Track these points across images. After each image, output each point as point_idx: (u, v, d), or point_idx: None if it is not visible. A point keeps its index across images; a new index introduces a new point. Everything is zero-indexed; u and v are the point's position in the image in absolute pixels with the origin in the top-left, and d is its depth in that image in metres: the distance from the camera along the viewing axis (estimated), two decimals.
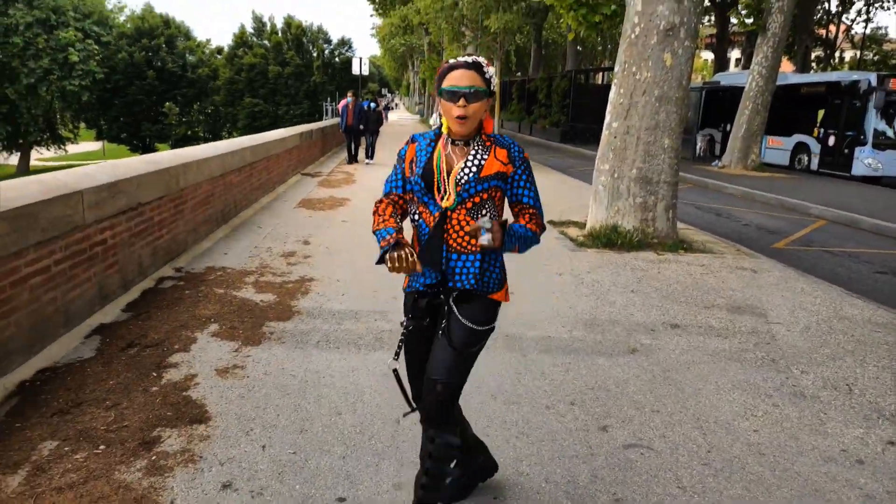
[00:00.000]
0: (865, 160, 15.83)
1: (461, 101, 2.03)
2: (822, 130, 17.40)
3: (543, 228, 2.22)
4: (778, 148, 19.00)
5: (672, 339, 4.37)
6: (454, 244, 2.12)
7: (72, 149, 47.99)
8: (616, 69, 7.46)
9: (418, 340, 2.25)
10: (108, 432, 2.84)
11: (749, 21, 17.16)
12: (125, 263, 4.61)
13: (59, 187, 3.75)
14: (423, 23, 17.22)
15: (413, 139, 2.26)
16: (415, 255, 1.98)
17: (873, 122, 15.75)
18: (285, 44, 49.77)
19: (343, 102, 15.43)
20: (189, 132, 48.46)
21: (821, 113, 17.67)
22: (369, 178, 12.91)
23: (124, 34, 48.14)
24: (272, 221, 7.87)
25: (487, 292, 2.16)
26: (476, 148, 2.14)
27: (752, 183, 14.23)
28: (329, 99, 25.23)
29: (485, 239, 1.92)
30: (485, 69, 2.07)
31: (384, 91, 62.48)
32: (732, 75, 22.11)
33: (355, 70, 22.95)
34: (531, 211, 2.19)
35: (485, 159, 2.12)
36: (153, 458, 2.66)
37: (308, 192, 10.61)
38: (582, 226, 8.11)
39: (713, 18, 35.15)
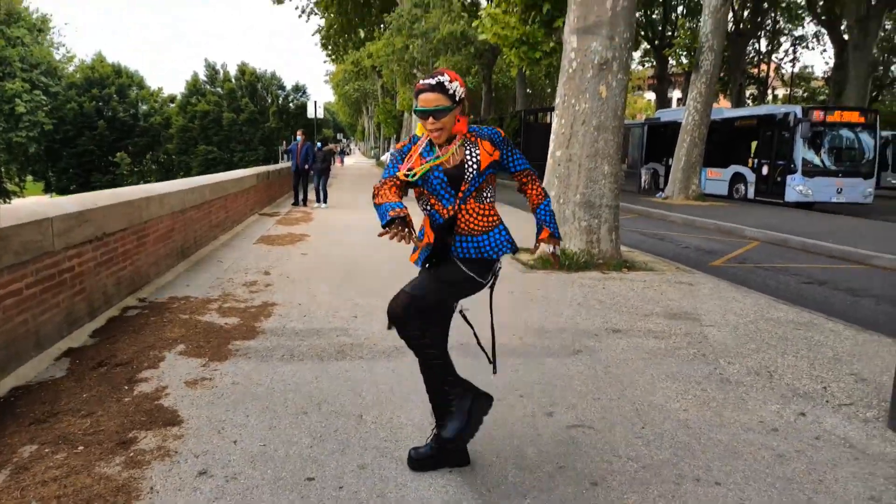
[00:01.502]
0: (797, 187, 16.90)
1: (430, 119, 2.48)
2: (755, 161, 18.53)
3: (540, 183, 2.88)
4: (717, 179, 20.08)
5: (613, 342, 4.74)
6: (463, 227, 2.61)
7: (18, 203, 46.80)
8: (557, 101, 8.02)
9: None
10: (86, 436, 3.00)
11: (683, 60, 18.35)
12: (92, 291, 4.76)
13: (30, 214, 3.94)
14: (375, 66, 17.80)
15: (413, 141, 2.69)
16: (414, 233, 2.36)
17: (801, 151, 16.89)
18: (239, 91, 50.10)
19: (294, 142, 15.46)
20: (142, 182, 47.92)
21: (754, 144, 18.85)
22: (326, 216, 13.16)
23: (73, 84, 47.82)
24: (232, 255, 8.05)
25: (487, 258, 2.66)
26: (467, 147, 2.59)
27: (693, 211, 15.03)
28: (285, 143, 25.46)
29: (556, 250, 2.95)
30: (447, 86, 2.46)
31: (339, 136, 63.14)
32: (671, 111, 23.34)
33: (310, 114, 23.37)
34: (529, 175, 2.81)
35: (478, 154, 2.58)
36: (131, 454, 2.84)
37: (267, 229, 10.81)
38: (532, 252, 8.52)
39: (654, 61, 37.21)
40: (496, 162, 2.63)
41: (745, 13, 32.70)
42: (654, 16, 35.35)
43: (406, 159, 2.62)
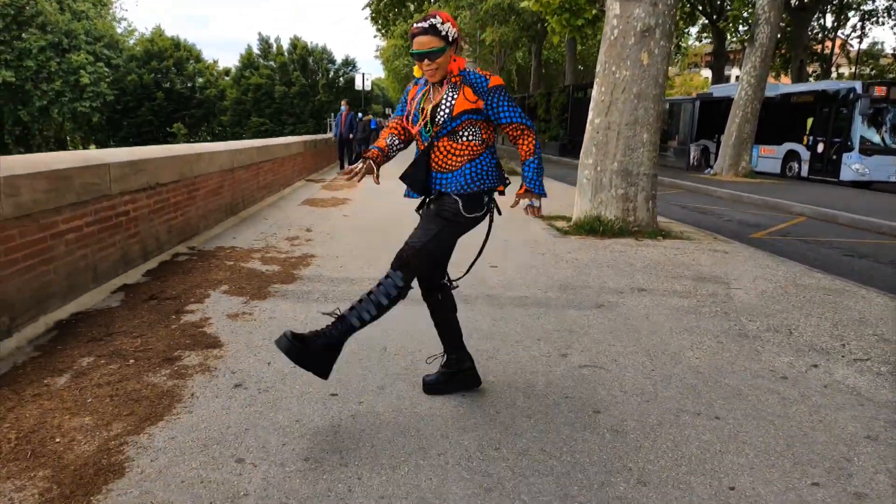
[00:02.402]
0: (853, 165, 16.32)
1: (426, 61, 2.60)
2: (811, 138, 17.92)
3: (534, 135, 2.75)
4: (770, 156, 19.51)
5: (637, 299, 4.84)
6: (436, 166, 2.72)
7: (79, 152, 48.93)
8: (598, 69, 8.01)
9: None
10: (136, 352, 3.32)
11: (739, 33, 17.80)
12: (145, 236, 5.12)
13: (90, 159, 4.28)
14: None
15: (415, 82, 2.85)
16: (372, 169, 2.64)
17: (860, 128, 16.26)
18: (291, 64, 50.86)
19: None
20: None
21: (810, 121, 18.21)
22: (370, 183, 13.44)
23: (134, 57, 49.33)
24: (277, 214, 8.40)
25: (473, 191, 2.69)
26: (448, 90, 2.67)
27: (740, 187, 14.71)
28: (333, 114, 25.95)
29: (533, 204, 2.83)
30: (440, 28, 2.56)
31: (387, 111, 63.53)
32: (724, 87, 22.68)
33: (358, 86, 23.67)
34: (518, 128, 2.70)
35: (455, 98, 2.66)
36: (175, 368, 3.15)
37: (312, 193, 11.16)
38: (569, 219, 8.59)
39: (711, 36, 35.98)
40: (476, 110, 2.64)
41: None
42: None
43: (409, 100, 2.80)
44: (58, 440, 2.42)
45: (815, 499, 2.25)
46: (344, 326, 2.63)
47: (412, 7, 31.12)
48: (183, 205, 5.98)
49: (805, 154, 18.04)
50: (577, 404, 2.94)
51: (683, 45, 49.33)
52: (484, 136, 2.73)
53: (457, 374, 2.99)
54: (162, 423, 2.59)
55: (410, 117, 2.77)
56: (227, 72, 54.94)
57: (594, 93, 8.06)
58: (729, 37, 22.24)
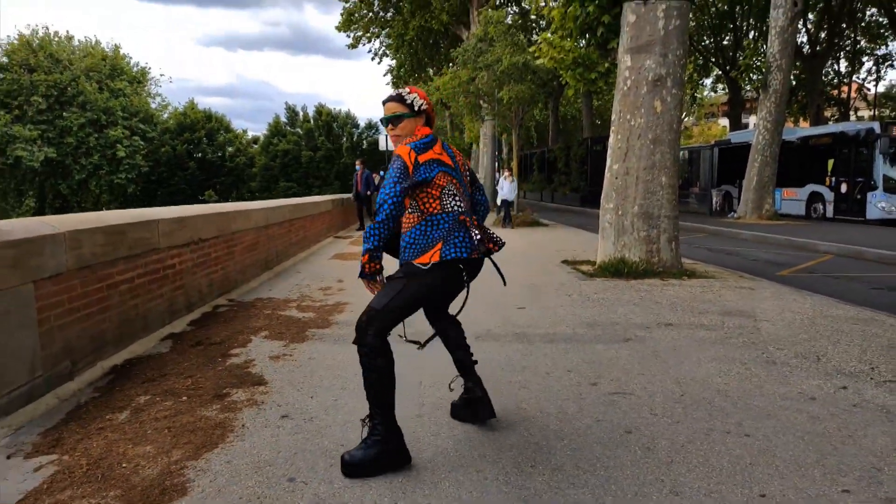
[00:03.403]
0: (878, 204, 16.27)
1: (389, 125, 2.84)
2: (833, 179, 17.96)
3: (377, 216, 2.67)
4: (793, 199, 19.53)
5: (664, 332, 4.94)
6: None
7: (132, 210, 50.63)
8: (613, 118, 8.31)
9: None
10: (188, 390, 3.53)
11: (753, 79, 18.16)
12: (189, 287, 5.41)
13: (142, 216, 4.61)
14: (442, 100, 18.55)
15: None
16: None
17: (881, 167, 16.29)
18: (316, 130, 52.64)
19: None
20: None
21: (831, 162, 18.28)
22: None
23: (168, 129, 51.56)
24: (309, 268, 8.69)
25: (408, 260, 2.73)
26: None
27: (766, 228, 14.74)
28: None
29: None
30: (406, 97, 2.82)
31: None
32: (742, 133, 22.94)
33: (382, 147, 24.43)
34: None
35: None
36: (225, 403, 3.34)
37: (341, 249, 11.49)
38: (593, 263, 8.74)
39: (726, 87, 36.59)
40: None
41: (822, 34, 31.86)
42: (724, 41, 34.95)
43: None
44: (124, 465, 2.60)
45: (846, 503, 2.32)
46: (375, 420, 2.65)
47: (431, 72, 32.32)
48: (222, 259, 6.29)
49: (829, 195, 18.03)
50: (609, 426, 3.05)
51: (699, 95, 50.23)
52: (422, 208, 2.70)
53: (472, 402, 3.08)
54: (217, 450, 2.76)
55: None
56: (255, 140, 57.01)
57: (611, 140, 8.33)
58: (742, 85, 22.61)
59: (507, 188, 16.75)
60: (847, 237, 12.43)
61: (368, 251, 2.62)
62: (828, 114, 39.46)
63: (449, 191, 2.75)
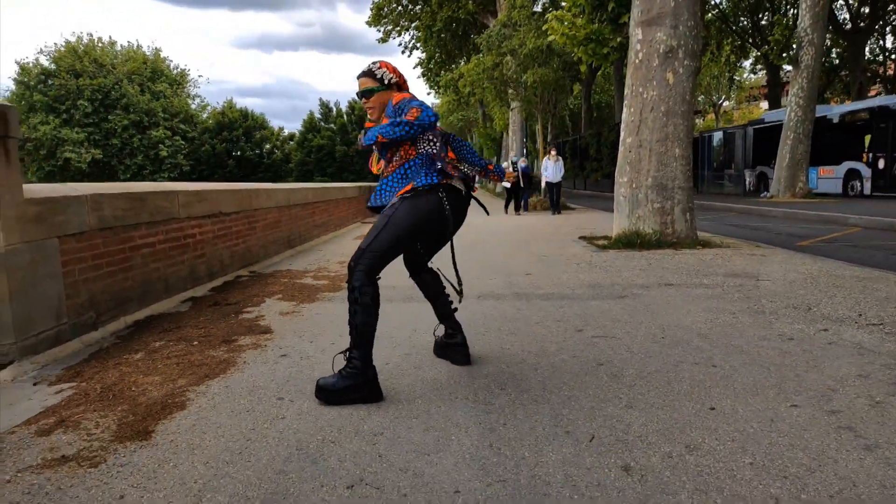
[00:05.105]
0: None
1: (363, 99, 3.04)
2: (870, 155, 17.50)
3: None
4: (829, 177, 19.10)
5: (662, 290, 5.06)
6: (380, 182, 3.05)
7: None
8: (626, 91, 8.37)
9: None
10: (200, 337, 3.83)
11: (784, 56, 17.81)
12: (211, 257, 5.75)
13: (161, 186, 4.95)
14: (468, 87, 18.71)
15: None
16: None
17: None
18: (350, 125, 53.39)
19: None
20: None
21: (867, 138, 17.81)
22: None
23: (207, 129, 52.97)
24: (331, 247, 9.01)
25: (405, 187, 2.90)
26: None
27: (797, 206, 14.50)
28: None
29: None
30: (376, 72, 3.00)
31: None
32: (776, 112, 22.49)
33: None
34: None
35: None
36: (232, 346, 3.63)
37: (366, 231, 11.80)
38: (609, 238, 8.83)
39: (765, 68, 35.71)
40: None
41: (864, 9, 30.82)
42: (762, 21, 34.09)
43: None
44: (133, 389, 2.90)
45: (791, 415, 2.45)
46: (353, 354, 2.74)
47: (462, 62, 32.47)
48: (244, 233, 6.62)
49: (866, 171, 17.59)
50: (583, 360, 3.22)
51: (738, 78, 49.05)
52: (402, 154, 2.92)
53: (450, 346, 3.28)
54: (218, 379, 3.04)
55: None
56: (291, 137, 58.12)
57: (624, 114, 8.40)
58: (775, 61, 22.06)
59: (551, 169, 15.49)
60: (879, 211, 12.16)
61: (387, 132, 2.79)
62: (872, 92, 38.15)
63: (426, 138, 2.97)
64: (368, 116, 3.10)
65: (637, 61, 8.12)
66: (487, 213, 3.46)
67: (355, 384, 2.70)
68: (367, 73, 3.01)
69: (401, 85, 3.08)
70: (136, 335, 3.96)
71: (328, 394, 2.69)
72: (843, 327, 3.74)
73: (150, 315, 4.48)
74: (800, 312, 4.16)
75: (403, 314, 4.36)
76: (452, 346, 3.27)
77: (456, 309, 3.33)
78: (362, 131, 2.97)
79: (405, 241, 2.93)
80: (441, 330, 3.46)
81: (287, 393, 2.83)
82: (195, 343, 3.70)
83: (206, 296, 5.25)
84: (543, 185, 16.35)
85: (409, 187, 2.86)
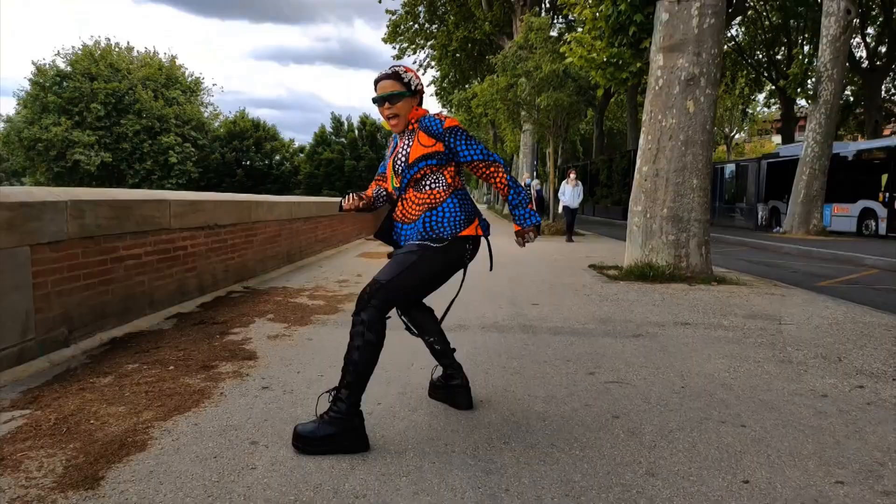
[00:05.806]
0: None
1: (385, 105, 2.60)
2: (887, 194, 17.16)
3: (502, 168, 2.67)
4: (844, 215, 18.74)
5: (678, 331, 4.73)
6: (398, 215, 2.69)
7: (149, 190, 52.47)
8: (644, 118, 8.10)
9: None
10: (178, 361, 3.53)
11: (800, 91, 17.56)
12: (203, 271, 5.46)
13: (152, 194, 4.68)
14: (481, 107, 18.53)
15: (393, 139, 2.85)
16: (360, 202, 2.66)
17: None
18: (360, 140, 53.43)
19: None
20: None
21: (884, 178, 17.48)
22: None
23: (218, 137, 53.08)
24: (333, 264, 8.72)
25: (433, 239, 2.56)
26: (405, 139, 2.68)
27: (811, 243, 14.14)
28: None
29: (528, 240, 2.79)
30: (402, 75, 2.60)
31: None
32: (791, 147, 22.19)
33: None
34: (484, 166, 2.62)
35: (410, 146, 2.61)
36: (210, 374, 3.32)
37: (370, 248, 11.52)
38: (620, 268, 8.51)
39: (779, 102, 35.57)
40: (439, 153, 2.57)
41: (882, 48, 30.68)
42: (778, 56, 34.00)
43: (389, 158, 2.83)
44: (92, 422, 2.59)
45: (837, 495, 2.12)
46: (340, 395, 2.42)
47: (476, 82, 32.45)
48: (240, 247, 6.34)
49: (882, 211, 17.23)
50: (596, 411, 2.90)
51: (751, 111, 48.95)
52: (449, 181, 2.63)
53: (450, 387, 2.94)
54: (188, 413, 2.73)
55: (388, 174, 2.80)
56: (301, 149, 58.20)
57: (641, 141, 8.12)
58: (792, 96, 21.87)
59: (568, 194, 14.62)
60: None
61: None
62: (887, 131, 37.89)
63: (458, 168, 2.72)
64: (389, 126, 2.69)
65: (657, 88, 7.86)
66: (491, 269, 3.10)
67: (338, 432, 2.38)
68: (393, 76, 2.60)
69: (421, 95, 2.73)
70: (110, 355, 3.65)
71: (307, 442, 2.37)
72: (881, 385, 3.40)
73: (129, 332, 4.18)
74: (830, 364, 3.83)
75: (400, 345, 4.04)
76: (452, 388, 2.94)
77: (454, 349, 3.01)
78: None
79: (429, 286, 2.67)
80: (439, 371, 3.12)
81: (263, 436, 2.52)
82: (171, 368, 3.39)
83: (193, 312, 4.95)
84: (560, 209, 15.86)
85: (476, 228, 2.63)
